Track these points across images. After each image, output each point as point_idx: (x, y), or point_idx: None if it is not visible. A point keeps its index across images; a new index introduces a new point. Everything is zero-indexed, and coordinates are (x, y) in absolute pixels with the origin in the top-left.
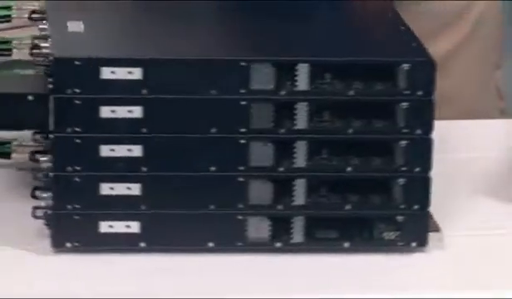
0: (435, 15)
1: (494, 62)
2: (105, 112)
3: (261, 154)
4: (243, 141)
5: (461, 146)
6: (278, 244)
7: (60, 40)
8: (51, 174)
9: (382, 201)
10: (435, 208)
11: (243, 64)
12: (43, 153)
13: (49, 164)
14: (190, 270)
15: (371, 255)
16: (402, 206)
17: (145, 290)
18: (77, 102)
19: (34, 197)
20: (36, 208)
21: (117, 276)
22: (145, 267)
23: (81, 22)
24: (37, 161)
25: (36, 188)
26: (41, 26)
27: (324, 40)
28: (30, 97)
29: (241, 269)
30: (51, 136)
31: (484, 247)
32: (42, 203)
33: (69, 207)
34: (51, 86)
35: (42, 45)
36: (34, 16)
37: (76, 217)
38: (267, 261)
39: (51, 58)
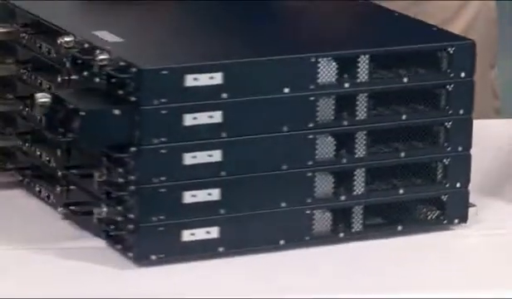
0: (430, 15)
1: (489, 62)
2: (188, 120)
3: (326, 147)
4: (310, 136)
5: None
6: (341, 234)
7: (119, 51)
8: (132, 187)
9: (429, 182)
10: None
11: (312, 60)
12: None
13: (102, 178)
14: (270, 269)
15: (418, 235)
16: (447, 185)
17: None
18: (163, 112)
19: (76, 213)
20: (108, 224)
21: (204, 282)
22: (226, 270)
23: (107, 31)
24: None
25: (67, 205)
26: (67, 39)
27: (365, 33)
28: (116, 111)
29: (313, 264)
30: (133, 149)
31: (484, 246)
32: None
33: (154, 219)
34: (134, 98)
35: (100, 57)
36: (28, 29)
37: (161, 228)
38: (331, 252)
39: (133, 70)
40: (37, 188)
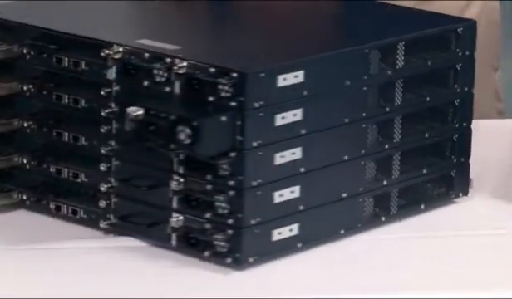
0: None
1: (492, 64)
2: (279, 120)
3: (372, 135)
4: (364, 126)
5: None
6: (383, 218)
7: (194, 57)
8: (231, 192)
9: (442, 159)
10: None
11: (366, 51)
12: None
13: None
14: (338, 260)
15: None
16: (455, 161)
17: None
18: (260, 115)
19: (138, 225)
20: (187, 232)
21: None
22: (303, 268)
23: (149, 40)
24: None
25: (122, 218)
26: (115, 50)
27: (393, 24)
28: (223, 118)
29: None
30: (232, 154)
31: (484, 246)
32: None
33: (252, 222)
34: (233, 103)
35: (180, 65)
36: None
37: (257, 230)
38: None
39: (234, 75)
40: (52, 206)
